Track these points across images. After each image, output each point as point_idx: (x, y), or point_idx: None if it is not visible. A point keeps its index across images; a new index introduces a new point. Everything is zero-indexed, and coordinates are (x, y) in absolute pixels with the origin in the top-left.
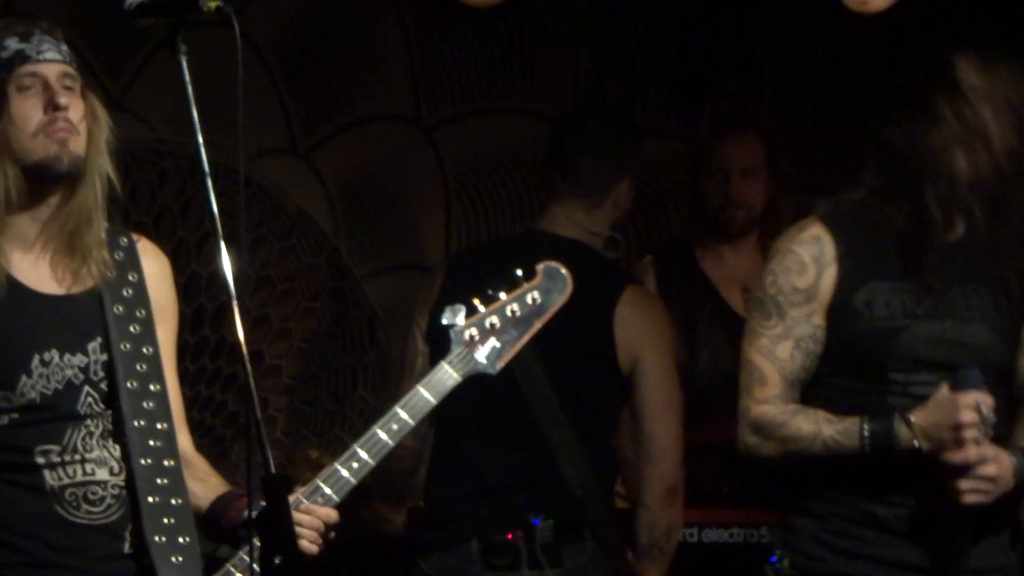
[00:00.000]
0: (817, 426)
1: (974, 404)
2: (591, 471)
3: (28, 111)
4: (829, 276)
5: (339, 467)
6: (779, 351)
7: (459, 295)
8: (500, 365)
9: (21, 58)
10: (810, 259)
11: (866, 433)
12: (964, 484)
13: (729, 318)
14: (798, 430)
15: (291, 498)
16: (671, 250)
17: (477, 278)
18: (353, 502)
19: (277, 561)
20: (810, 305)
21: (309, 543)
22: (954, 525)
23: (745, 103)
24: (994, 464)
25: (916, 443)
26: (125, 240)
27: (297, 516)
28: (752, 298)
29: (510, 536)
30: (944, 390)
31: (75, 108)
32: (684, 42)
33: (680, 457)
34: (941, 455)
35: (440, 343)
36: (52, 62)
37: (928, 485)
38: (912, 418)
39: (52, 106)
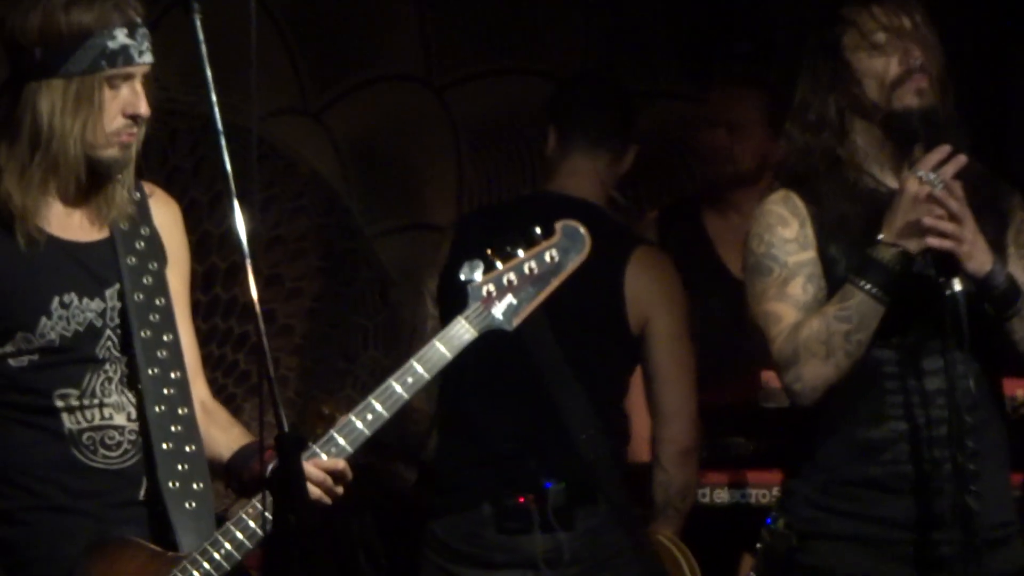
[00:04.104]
0: (822, 314)
1: (912, 174)
2: (602, 433)
3: (112, 111)
4: (809, 229)
5: (354, 418)
6: (789, 289)
7: (470, 257)
8: (516, 322)
9: (125, 57)
10: (789, 213)
11: (859, 281)
12: (928, 221)
13: (726, 280)
14: (810, 329)
15: (326, 437)
16: (678, 208)
17: (487, 240)
18: (370, 458)
19: (291, 519)
20: (807, 251)
21: (319, 495)
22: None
23: (755, 65)
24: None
25: (900, 246)
26: (138, 194)
27: (315, 474)
28: (744, 267)
29: (522, 500)
30: None
31: (147, 109)
32: (694, 3)
33: (694, 417)
34: (928, 237)
35: (457, 298)
36: (145, 64)
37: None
38: (880, 237)
39: (134, 116)
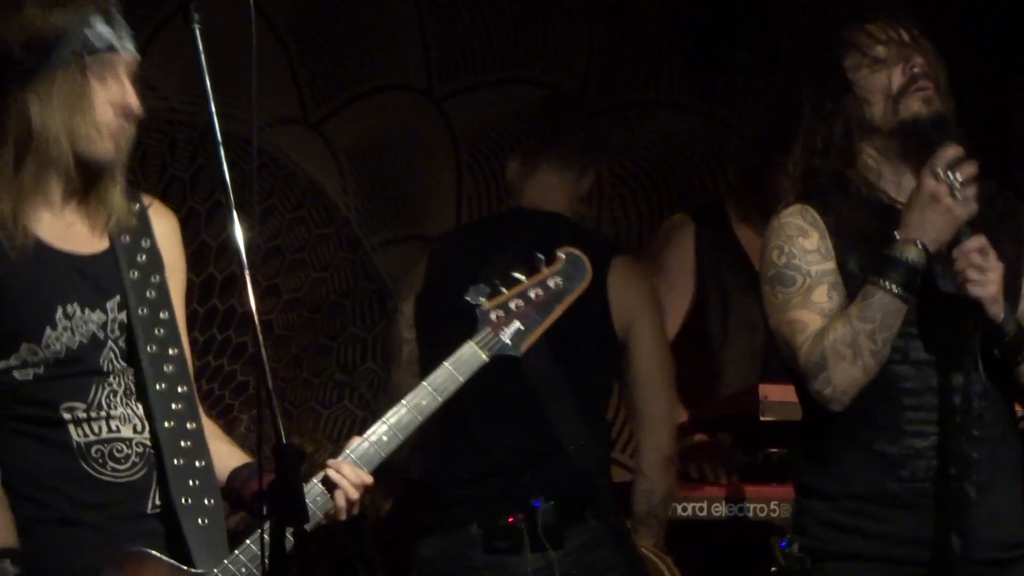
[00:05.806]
0: (845, 317)
1: (930, 171)
2: (592, 444)
3: (100, 102)
4: (828, 241)
5: (366, 442)
6: (814, 297)
7: (449, 281)
8: (524, 347)
9: (105, 44)
10: (807, 225)
11: (878, 280)
12: (960, 263)
13: (759, 286)
14: (835, 332)
15: (340, 456)
16: (707, 214)
17: (465, 262)
18: None
19: (289, 532)
20: (828, 262)
21: (351, 497)
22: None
23: (759, 77)
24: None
25: (917, 243)
26: (137, 205)
27: (345, 470)
28: (763, 280)
29: (512, 519)
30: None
31: (136, 101)
32: (698, 14)
33: (675, 425)
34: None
35: (462, 322)
36: (128, 54)
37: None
38: (896, 234)
39: (125, 112)
